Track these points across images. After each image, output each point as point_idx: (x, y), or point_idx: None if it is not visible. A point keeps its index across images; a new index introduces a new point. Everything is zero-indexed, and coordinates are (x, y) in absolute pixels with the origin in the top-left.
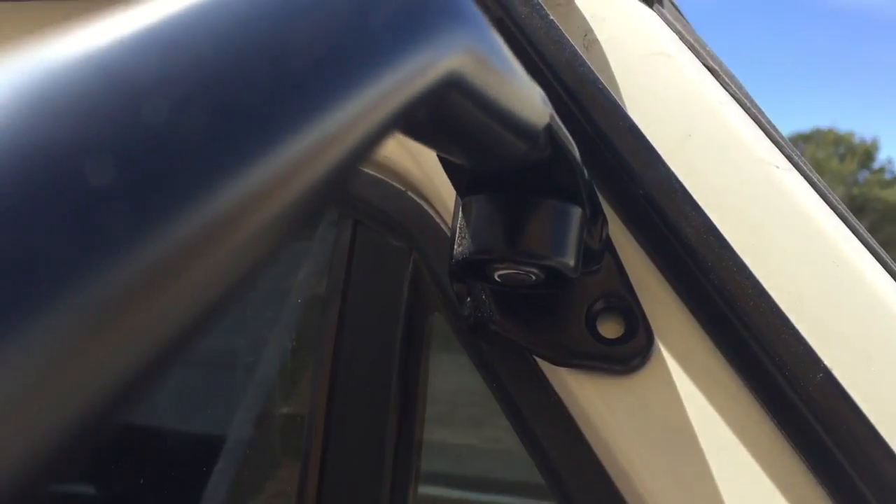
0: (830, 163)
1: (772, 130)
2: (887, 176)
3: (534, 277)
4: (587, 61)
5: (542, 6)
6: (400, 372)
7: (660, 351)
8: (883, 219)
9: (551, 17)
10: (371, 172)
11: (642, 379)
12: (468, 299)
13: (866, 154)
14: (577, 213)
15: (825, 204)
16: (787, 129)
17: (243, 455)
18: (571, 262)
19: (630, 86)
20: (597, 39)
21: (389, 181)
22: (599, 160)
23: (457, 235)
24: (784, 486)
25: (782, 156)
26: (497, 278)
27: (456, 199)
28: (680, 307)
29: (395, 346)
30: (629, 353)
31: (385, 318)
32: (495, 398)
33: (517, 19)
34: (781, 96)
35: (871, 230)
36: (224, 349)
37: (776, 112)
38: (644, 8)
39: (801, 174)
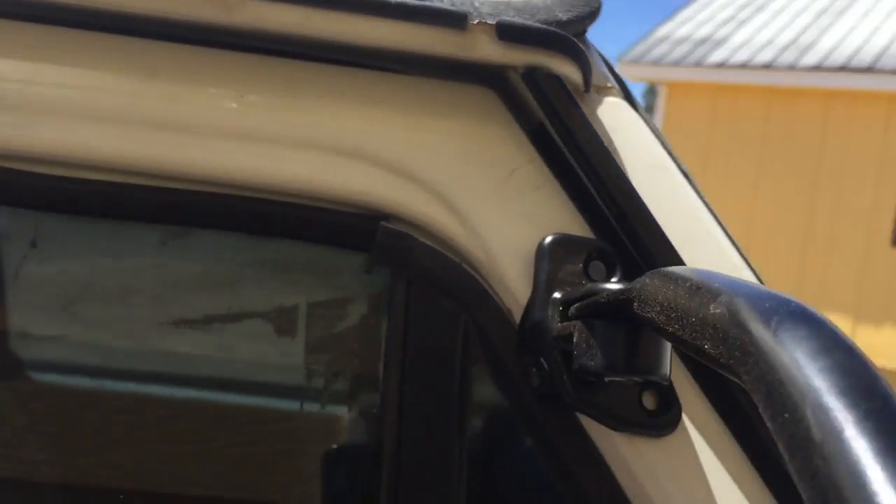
0: None
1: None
2: None
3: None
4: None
5: (588, 121)
6: (461, 421)
7: (684, 421)
8: None
9: (598, 134)
10: (429, 244)
11: (671, 441)
12: (533, 369)
13: None
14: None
15: None
16: None
17: None
18: (668, 374)
19: (642, 192)
20: (616, 149)
21: (447, 253)
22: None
23: (575, 349)
24: None
25: (736, 252)
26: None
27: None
28: (695, 388)
29: (453, 397)
30: (667, 422)
31: (443, 371)
32: (542, 454)
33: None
34: None
35: None
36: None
37: None
38: (638, 118)
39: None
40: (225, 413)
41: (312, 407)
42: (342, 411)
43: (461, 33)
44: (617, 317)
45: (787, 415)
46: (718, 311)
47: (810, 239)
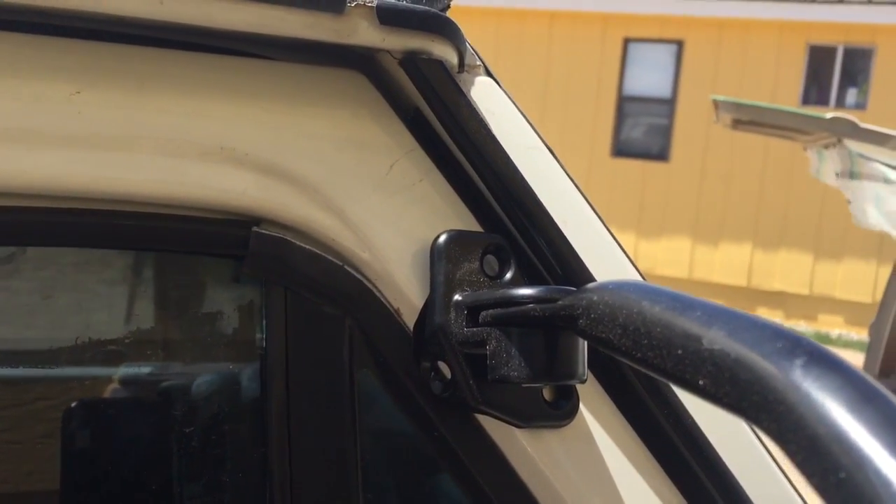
0: None
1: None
2: None
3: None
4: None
5: (473, 107)
6: (350, 426)
7: (581, 408)
8: None
9: (482, 118)
10: (307, 247)
11: (571, 430)
12: (432, 374)
13: None
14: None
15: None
16: None
17: None
18: (585, 376)
19: (526, 175)
20: (494, 134)
21: (328, 256)
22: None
23: (492, 358)
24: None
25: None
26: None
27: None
28: (590, 376)
29: (342, 404)
30: (566, 412)
31: (330, 377)
32: (439, 454)
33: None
34: None
35: None
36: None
37: None
38: (506, 97)
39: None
40: None
41: (192, 427)
42: (224, 429)
43: (338, 17)
44: (541, 328)
45: (843, 475)
46: (716, 348)
47: None
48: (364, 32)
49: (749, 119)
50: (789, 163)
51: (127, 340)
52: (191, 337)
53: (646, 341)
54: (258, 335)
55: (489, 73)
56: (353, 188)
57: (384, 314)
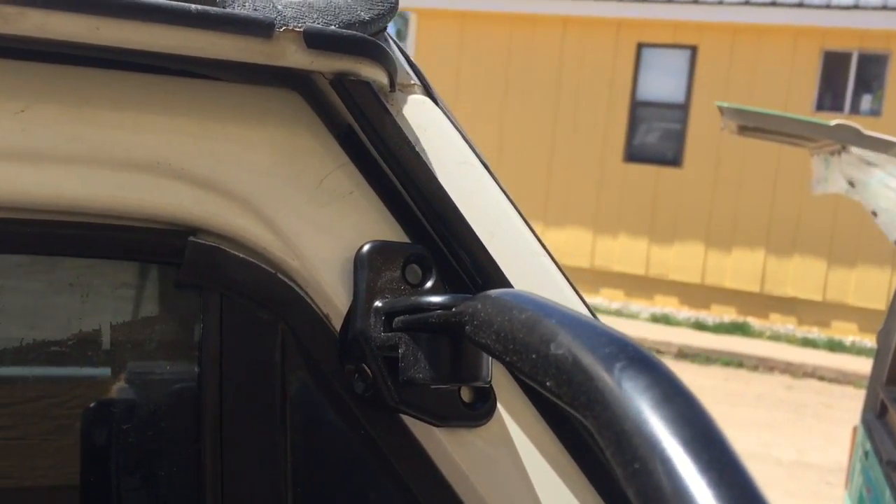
0: None
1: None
2: None
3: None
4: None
5: (397, 124)
6: (282, 425)
7: (499, 408)
8: None
9: (407, 136)
10: (241, 255)
11: (488, 429)
12: (356, 376)
13: None
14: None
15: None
16: None
17: None
18: (489, 378)
19: (452, 190)
20: (424, 149)
21: (261, 264)
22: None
23: (402, 361)
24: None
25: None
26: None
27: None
28: (507, 377)
29: (275, 406)
30: (484, 412)
31: (263, 378)
32: (366, 452)
33: (379, 131)
34: None
35: None
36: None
37: None
38: (441, 114)
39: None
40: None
41: (126, 429)
42: (159, 431)
43: (267, 42)
44: (445, 333)
45: (637, 465)
46: (560, 352)
47: (554, 157)
48: (292, 55)
49: (755, 125)
50: (803, 168)
51: (71, 342)
52: (132, 339)
53: (512, 346)
54: (196, 338)
55: (427, 91)
56: (285, 200)
57: (314, 319)
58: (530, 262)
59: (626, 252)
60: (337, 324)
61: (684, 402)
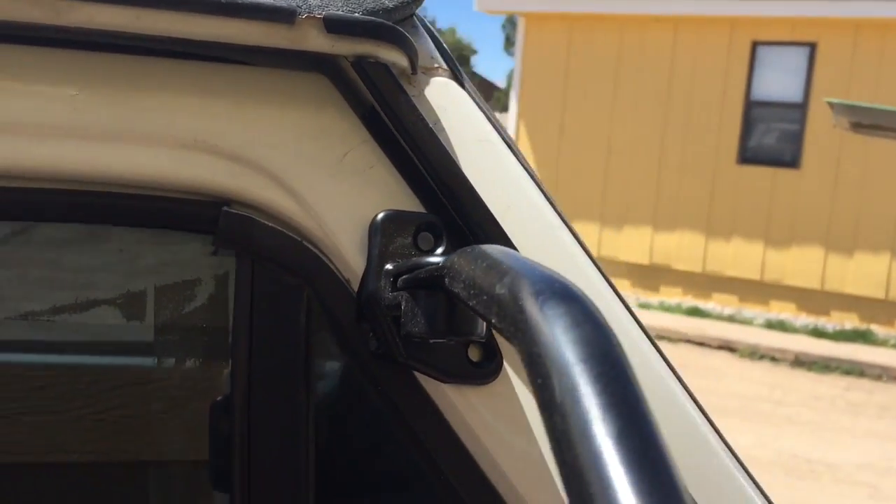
0: None
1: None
2: None
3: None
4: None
5: (413, 104)
6: (306, 383)
7: (505, 368)
8: None
9: (424, 115)
10: (270, 224)
11: (495, 387)
12: (371, 334)
13: None
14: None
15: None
16: None
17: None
18: (484, 332)
19: (469, 165)
20: (444, 128)
21: (288, 232)
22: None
23: (403, 317)
24: None
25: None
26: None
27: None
28: None
29: (300, 365)
30: (490, 370)
31: (289, 341)
32: (385, 408)
33: (395, 110)
34: None
35: None
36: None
37: None
38: (464, 95)
39: (566, 225)
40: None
41: (164, 384)
42: (194, 388)
43: (290, 28)
44: (440, 290)
45: (540, 380)
46: (502, 291)
47: (664, 159)
48: (314, 39)
49: (868, 122)
50: None
51: (119, 301)
52: (172, 301)
53: (472, 291)
54: (231, 302)
55: (454, 75)
56: (311, 174)
57: (336, 283)
58: (547, 233)
59: (740, 256)
60: (355, 287)
61: (592, 327)
